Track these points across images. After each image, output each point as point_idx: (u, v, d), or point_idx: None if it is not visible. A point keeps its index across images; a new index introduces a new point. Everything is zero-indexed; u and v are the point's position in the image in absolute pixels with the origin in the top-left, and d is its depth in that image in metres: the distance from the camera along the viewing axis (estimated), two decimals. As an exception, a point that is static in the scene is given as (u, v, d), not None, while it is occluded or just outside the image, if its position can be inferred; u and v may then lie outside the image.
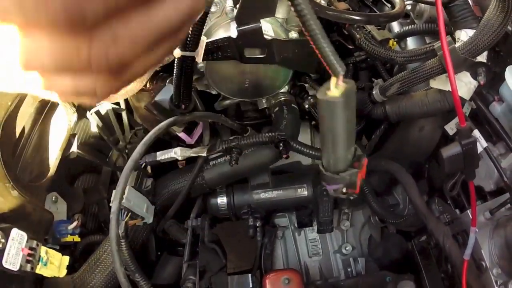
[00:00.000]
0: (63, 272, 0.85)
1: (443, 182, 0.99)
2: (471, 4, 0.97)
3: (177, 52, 0.74)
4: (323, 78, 1.16)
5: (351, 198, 0.59)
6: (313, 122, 1.22)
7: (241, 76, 0.99)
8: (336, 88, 0.41)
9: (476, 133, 0.93)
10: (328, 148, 0.51)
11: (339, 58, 0.39)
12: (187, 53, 0.75)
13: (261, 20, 0.87)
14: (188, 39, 0.74)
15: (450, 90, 0.74)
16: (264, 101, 1.12)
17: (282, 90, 1.07)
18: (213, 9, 0.93)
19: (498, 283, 0.87)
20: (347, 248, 1.23)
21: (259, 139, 0.94)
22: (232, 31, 0.86)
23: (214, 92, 1.05)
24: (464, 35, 0.94)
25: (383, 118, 1.03)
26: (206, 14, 0.70)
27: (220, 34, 0.91)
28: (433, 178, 1.13)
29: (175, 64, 0.79)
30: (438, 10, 0.74)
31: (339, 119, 0.45)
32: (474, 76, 0.90)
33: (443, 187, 0.99)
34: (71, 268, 0.91)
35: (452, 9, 0.94)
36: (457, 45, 0.89)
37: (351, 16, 0.91)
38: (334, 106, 0.43)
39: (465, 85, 0.92)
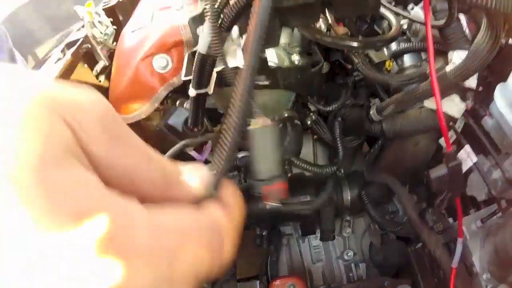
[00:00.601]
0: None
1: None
2: (465, 24, 1.03)
3: (193, 92, 0.82)
4: (324, 96, 1.23)
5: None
6: (315, 137, 1.29)
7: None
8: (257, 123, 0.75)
9: (467, 148, 0.99)
10: None
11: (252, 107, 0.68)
12: (202, 91, 0.83)
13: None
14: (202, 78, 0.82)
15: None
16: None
17: (285, 107, 1.15)
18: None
19: (488, 288, 0.94)
20: (348, 254, 1.30)
21: (265, 158, 1.02)
22: (239, 61, 0.93)
23: (221, 111, 1.13)
24: (456, 56, 1.00)
25: (380, 135, 1.10)
26: (215, 59, 0.77)
27: (227, 61, 0.98)
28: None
29: (191, 101, 0.87)
30: (428, 36, 0.80)
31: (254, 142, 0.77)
32: (464, 98, 0.97)
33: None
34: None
35: (445, 32, 1.01)
36: (448, 69, 0.95)
37: (348, 43, 0.98)
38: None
39: (455, 105, 0.99)
